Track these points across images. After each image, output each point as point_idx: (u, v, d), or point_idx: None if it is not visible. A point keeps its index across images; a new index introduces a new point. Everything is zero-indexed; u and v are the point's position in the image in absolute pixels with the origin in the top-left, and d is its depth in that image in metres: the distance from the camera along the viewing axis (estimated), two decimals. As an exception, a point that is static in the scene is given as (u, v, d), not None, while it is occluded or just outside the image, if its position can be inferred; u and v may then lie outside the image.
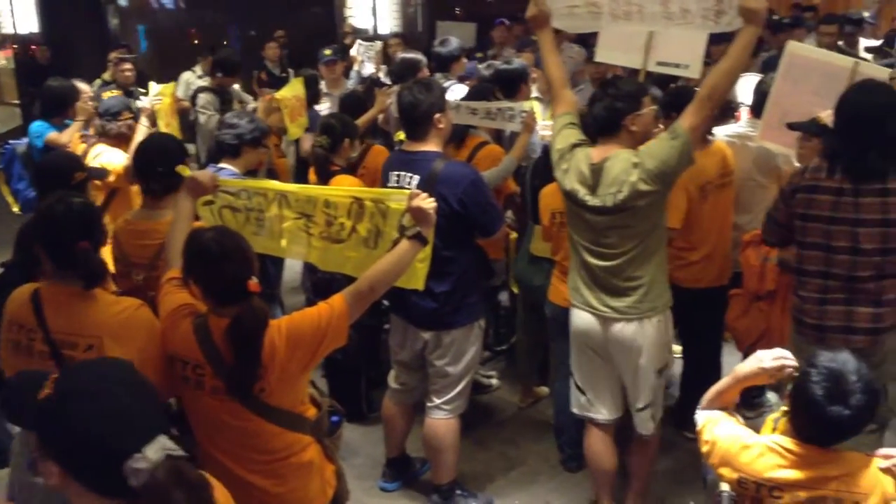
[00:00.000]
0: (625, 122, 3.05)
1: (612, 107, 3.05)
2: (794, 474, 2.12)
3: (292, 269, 5.72)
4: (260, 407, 2.36)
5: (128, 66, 7.13)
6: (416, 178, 3.32)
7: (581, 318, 3.28)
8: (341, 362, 4.14)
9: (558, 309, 3.81)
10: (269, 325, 2.35)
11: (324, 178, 3.96)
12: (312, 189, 3.18)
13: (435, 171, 3.29)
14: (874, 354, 2.99)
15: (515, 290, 4.55)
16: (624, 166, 2.97)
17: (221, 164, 3.78)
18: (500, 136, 4.91)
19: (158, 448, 1.41)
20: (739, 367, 2.40)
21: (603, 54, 3.82)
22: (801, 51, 3.73)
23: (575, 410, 3.49)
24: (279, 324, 2.39)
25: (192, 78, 7.86)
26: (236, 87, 6.81)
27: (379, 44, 8.07)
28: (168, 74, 7.64)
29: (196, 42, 13.74)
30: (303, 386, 2.51)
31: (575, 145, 3.14)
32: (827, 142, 3.03)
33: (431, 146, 3.40)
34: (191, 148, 7.06)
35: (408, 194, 2.79)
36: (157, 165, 3.18)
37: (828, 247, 2.97)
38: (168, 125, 5.27)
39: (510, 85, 4.90)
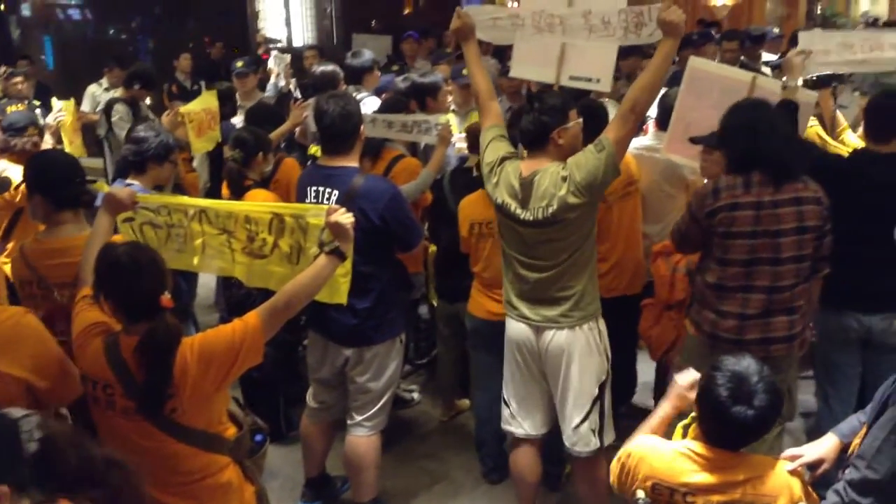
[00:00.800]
0: (552, 136, 3.07)
1: (540, 121, 3.06)
2: (705, 478, 2.18)
3: (206, 286, 5.60)
4: (172, 427, 2.32)
5: (18, 79, 6.86)
6: (336, 193, 3.30)
7: (515, 329, 3.27)
8: (258, 380, 4.06)
9: (478, 321, 3.83)
10: (182, 342, 2.31)
11: (237, 193, 3.88)
12: (232, 205, 3.15)
13: (355, 186, 3.28)
14: (788, 360, 3.14)
15: (435, 303, 4.56)
16: (553, 180, 2.99)
17: (129, 180, 3.68)
18: (416, 148, 4.93)
19: None
20: (663, 405, 2.46)
21: (517, 69, 3.87)
22: (702, 66, 3.86)
23: (502, 423, 3.49)
24: (192, 341, 2.34)
25: (98, 91, 7.62)
26: (147, 100, 6.63)
27: (288, 56, 7.98)
28: (75, 87, 7.39)
29: (104, 54, 13.34)
30: (219, 405, 2.46)
31: (504, 158, 3.15)
32: (732, 156, 3.13)
33: (351, 161, 3.39)
34: (99, 163, 6.83)
35: (326, 209, 2.77)
36: (47, 181, 3.07)
37: (750, 261, 3.04)
38: (71, 142, 5.09)
39: (426, 97, 4.94)
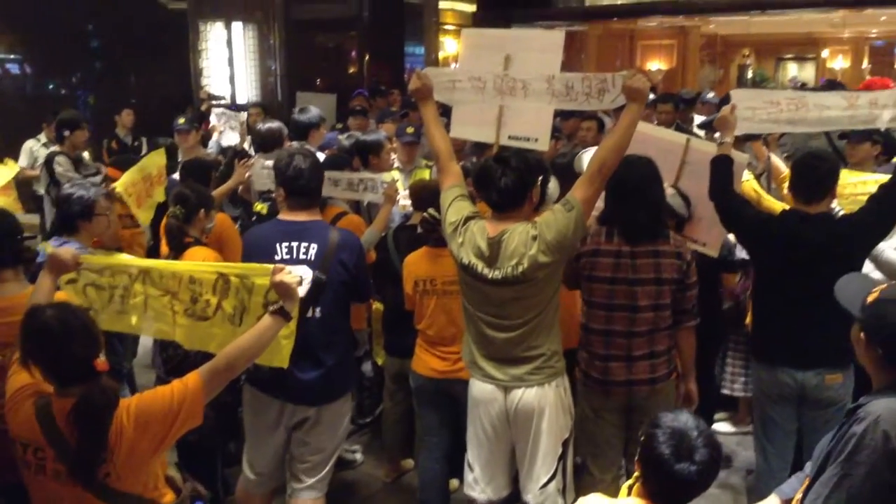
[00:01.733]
0: (530, 194, 3.13)
1: (523, 180, 3.07)
2: (650, 537, 2.17)
3: (144, 345, 5.46)
4: (105, 492, 2.25)
5: None
6: (315, 246, 3.29)
7: (481, 390, 3.22)
8: (195, 443, 3.93)
9: (422, 378, 3.81)
10: (118, 405, 2.25)
11: (177, 250, 3.81)
12: (177, 265, 3.12)
13: (333, 239, 3.30)
14: (655, 403, 3.30)
15: (380, 361, 4.53)
16: (523, 238, 3.00)
17: (65, 238, 3.61)
18: (359, 205, 4.95)
19: None
20: None
21: (457, 129, 3.91)
22: (639, 127, 3.97)
23: (464, 489, 3.42)
24: (128, 403, 2.29)
25: (37, 146, 7.50)
26: (86, 154, 6.53)
27: (244, 114, 7.98)
28: (12, 143, 7.25)
29: (43, 109, 13.13)
30: (155, 469, 2.40)
31: (468, 218, 3.15)
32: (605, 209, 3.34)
33: (316, 215, 3.41)
34: (35, 219, 6.67)
35: (271, 269, 2.74)
36: None
37: (610, 305, 3.31)
38: (5, 203, 4.96)
39: (369, 155, 4.98)
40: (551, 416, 3.16)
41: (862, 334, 2.19)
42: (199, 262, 3.41)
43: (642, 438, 2.24)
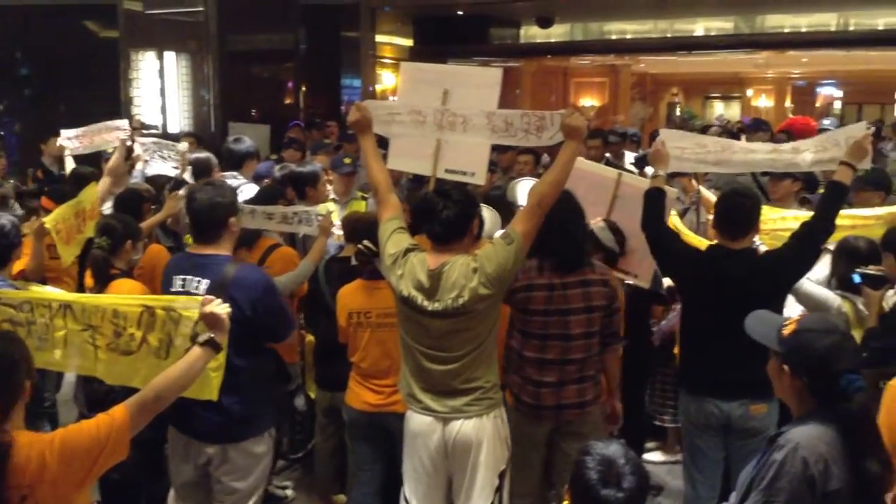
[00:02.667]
0: (471, 227, 3.17)
1: (464, 212, 3.13)
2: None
3: (67, 381, 5.28)
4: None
5: None
6: (205, 282, 3.20)
7: (419, 423, 3.20)
8: (119, 482, 3.81)
9: (356, 412, 3.77)
10: (41, 439, 2.20)
11: (102, 283, 3.70)
12: (100, 298, 3.05)
13: (227, 275, 3.19)
14: (583, 426, 3.44)
15: (312, 395, 4.46)
16: (463, 271, 3.03)
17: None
18: (294, 237, 4.90)
19: None
20: None
21: (394, 161, 3.93)
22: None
23: None
24: (52, 437, 2.21)
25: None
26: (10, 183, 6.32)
27: (184, 144, 7.84)
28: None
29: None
30: (80, 504, 2.31)
31: (408, 250, 3.15)
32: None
33: (223, 250, 3.31)
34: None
35: (200, 300, 2.70)
36: None
37: (544, 335, 3.43)
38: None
39: (305, 187, 4.95)
40: (489, 448, 3.16)
41: (785, 367, 2.25)
42: (122, 296, 3.32)
43: (574, 465, 2.26)
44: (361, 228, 3.86)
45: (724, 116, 19.30)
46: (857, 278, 3.53)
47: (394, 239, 3.20)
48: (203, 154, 5.61)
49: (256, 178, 5.68)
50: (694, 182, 4.93)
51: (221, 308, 2.64)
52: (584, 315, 3.42)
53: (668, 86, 22.13)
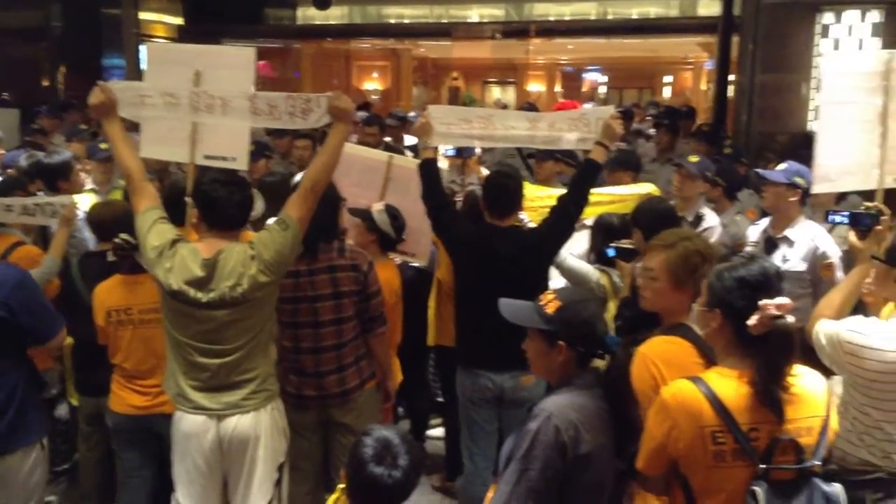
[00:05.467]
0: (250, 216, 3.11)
1: (244, 202, 3.09)
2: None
3: None
4: None
5: None
6: None
7: (191, 423, 3.04)
8: None
9: (121, 417, 3.58)
10: None
11: None
12: None
13: None
14: (349, 413, 3.46)
15: (75, 402, 4.13)
16: (241, 258, 2.95)
17: None
18: (47, 233, 4.49)
19: None
20: None
21: (148, 149, 3.64)
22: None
23: None
24: None
25: None
26: None
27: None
28: None
29: None
30: None
31: (175, 241, 3.00)
32: None
33: None
34: None
35: None
36: None
37: (295, 324, 3.40)
38: None
39: (56, 180, 4.55)
40: (266, 442, 3.10)
41: (561, 342, 2.33)
42: None
43: (352, 445, 2.25)
44: (110, 221, 3.62)
45: (502, 100, 20.16)
46: (610, 252, 3.77)
47: (156, 230, 3.03)
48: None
49: (4, 168, 5.15)
50: (472, 165, 5.11)
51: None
52: (332, 301, 3.39)
53: (448, 70, 22.72)
